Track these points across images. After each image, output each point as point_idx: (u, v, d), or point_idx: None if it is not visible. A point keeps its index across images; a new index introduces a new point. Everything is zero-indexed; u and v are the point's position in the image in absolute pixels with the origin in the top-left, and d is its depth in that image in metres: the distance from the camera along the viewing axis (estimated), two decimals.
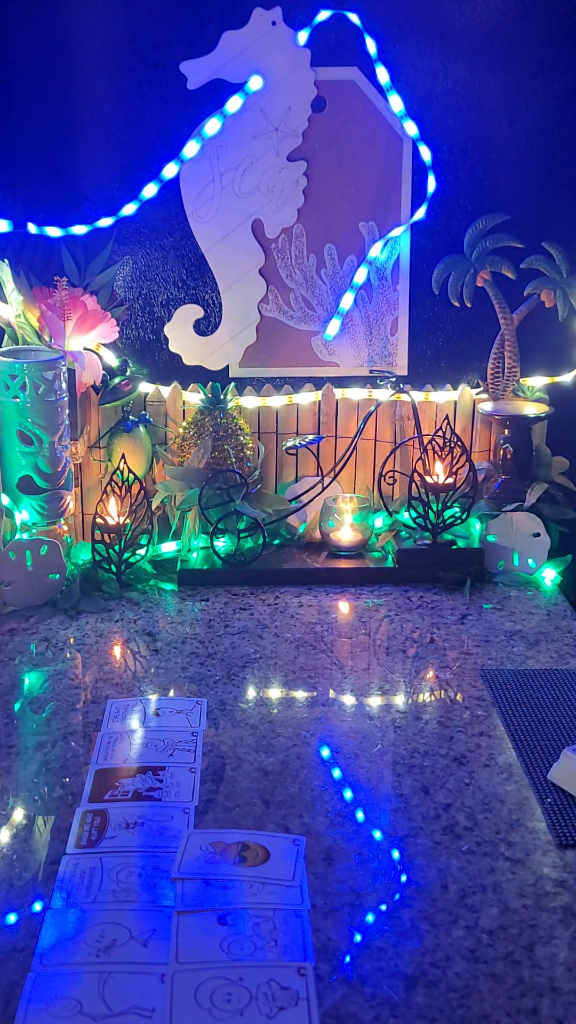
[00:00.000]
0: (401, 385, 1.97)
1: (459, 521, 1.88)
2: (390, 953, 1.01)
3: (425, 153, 1.90)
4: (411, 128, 1.89)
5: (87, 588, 1.79)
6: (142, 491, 1.84)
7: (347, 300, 1.98)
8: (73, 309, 1.82)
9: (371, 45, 1.85)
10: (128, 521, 1.81)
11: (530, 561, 1.88)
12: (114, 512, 1.81)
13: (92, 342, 1.88)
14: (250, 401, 2.00)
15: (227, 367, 2.01)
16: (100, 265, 1.92)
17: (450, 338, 2.02)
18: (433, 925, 1.04)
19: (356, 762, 1.33)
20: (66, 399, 1.79)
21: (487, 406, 1.97)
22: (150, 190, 1.89)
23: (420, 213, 1.93)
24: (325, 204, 1.94)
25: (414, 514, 1.87)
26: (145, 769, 1.29)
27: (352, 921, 1.05)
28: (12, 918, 1.05)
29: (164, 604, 1.78)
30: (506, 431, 1.94)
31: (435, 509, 1.86)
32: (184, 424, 1.96)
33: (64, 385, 1.77)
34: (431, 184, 1.92)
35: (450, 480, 1.86)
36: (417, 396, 1.98)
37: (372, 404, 1.97)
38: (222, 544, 1.87)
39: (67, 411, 1.80)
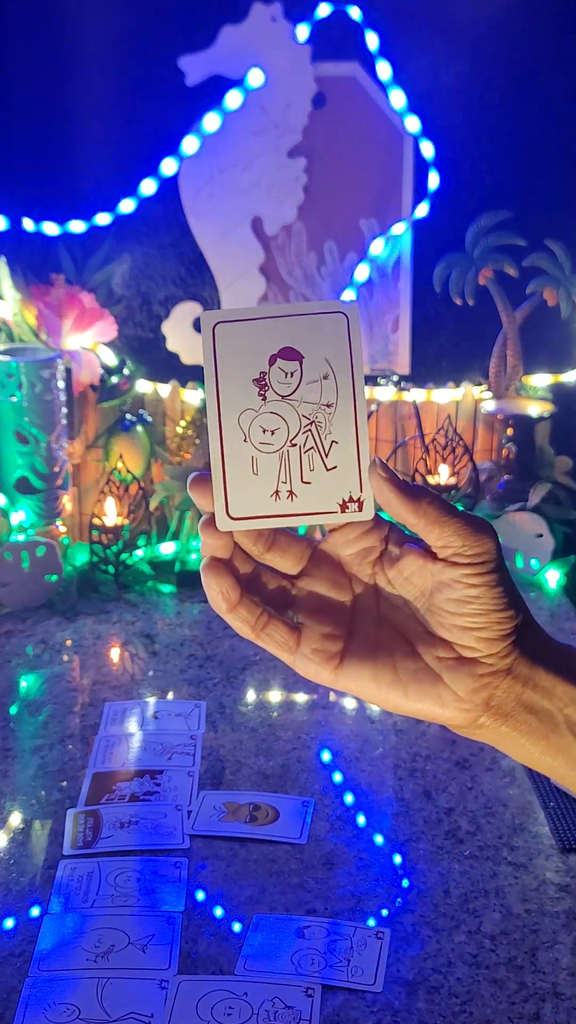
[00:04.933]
0: (402, 384, 1.95)
1: None
2: (392, 958, 1.00)
3: (427, 149, 1.89)
4: (413, 124, 1.88)
5: (85, 590, 1.77)
6: (140, 491, 1.83)
7: (348, 298, 1.96)
8: (70, 307, 1.81)
9: (372, 40, 1.83)
10: (126, 522, 1.80)
11: (533, 562, 1.86)
12: (112, 513, 1.80)
13: (90, 340, 1.87)
14: None
15: None
16: (98, 262, 1.91)
17: (452, 336, 2.00)
18: (435, 930, 1.03)
19: (357, 766, 1.31)
20: (63, 398, 1.78)
21: (489, 405, 1.95)
22: (149, 187, 1.87)
23: (422, 210, 1.92)
24: (325, 201, 1.93)
25: None
26: (143, 773, 1.28)
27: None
28: (10, 923, 1.04)
29: (163, 606, 1.76)
30: (509, 430, 1.93)
31: None
32: (183, 423, 1.95)
33: (61, 384, 1.76)
34: (433, 181, 1.90)
35: (452, 480, 1.85)
36: (419, 395, 1.97)
37: (373, 403, 1.96)
38: None
39: (64, 410, 1.79)
